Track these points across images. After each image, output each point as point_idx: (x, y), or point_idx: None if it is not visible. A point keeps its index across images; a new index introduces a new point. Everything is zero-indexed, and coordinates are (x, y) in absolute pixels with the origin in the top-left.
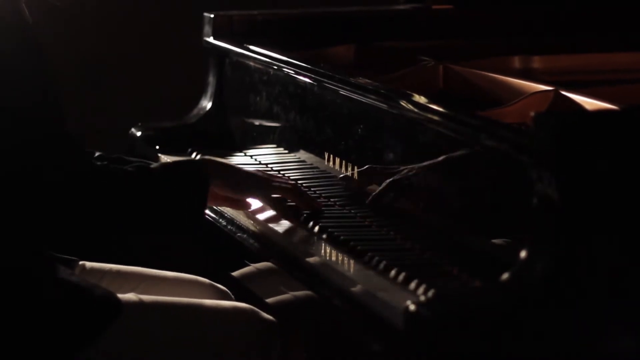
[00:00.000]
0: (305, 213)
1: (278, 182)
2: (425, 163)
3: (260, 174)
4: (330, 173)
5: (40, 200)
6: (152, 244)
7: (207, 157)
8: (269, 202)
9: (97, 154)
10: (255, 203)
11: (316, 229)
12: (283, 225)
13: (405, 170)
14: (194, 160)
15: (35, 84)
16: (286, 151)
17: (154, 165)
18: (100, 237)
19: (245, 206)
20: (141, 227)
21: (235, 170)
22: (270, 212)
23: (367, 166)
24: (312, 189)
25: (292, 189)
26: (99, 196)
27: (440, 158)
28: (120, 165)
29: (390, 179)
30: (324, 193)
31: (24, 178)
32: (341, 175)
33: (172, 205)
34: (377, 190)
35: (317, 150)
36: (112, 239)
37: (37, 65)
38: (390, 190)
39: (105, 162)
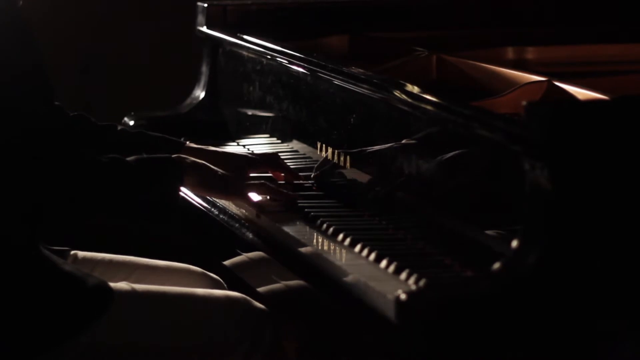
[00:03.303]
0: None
1: (248, 181)
2: (417, 152)
3: (230, 176)
4: None
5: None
6: (144, 233)
7: (182, 155)
8: (241, 202)
9: (119, 127)
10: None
11: (308, 218)
12: (275, 214)
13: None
14: (168, 156)
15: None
16: (279, 141)
17: (130, 158)
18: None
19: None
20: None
21: (208, 170)
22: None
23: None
24: (305, 178)
25: (262, 186)
26: (65, 184)
27: (433, 148)
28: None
29: (325, 156)
30: (316, 183)
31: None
32: (323, 157)
33: (144, 192)
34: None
35: (310, 140)
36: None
37: (22, 48)
38: (326, 164)
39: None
